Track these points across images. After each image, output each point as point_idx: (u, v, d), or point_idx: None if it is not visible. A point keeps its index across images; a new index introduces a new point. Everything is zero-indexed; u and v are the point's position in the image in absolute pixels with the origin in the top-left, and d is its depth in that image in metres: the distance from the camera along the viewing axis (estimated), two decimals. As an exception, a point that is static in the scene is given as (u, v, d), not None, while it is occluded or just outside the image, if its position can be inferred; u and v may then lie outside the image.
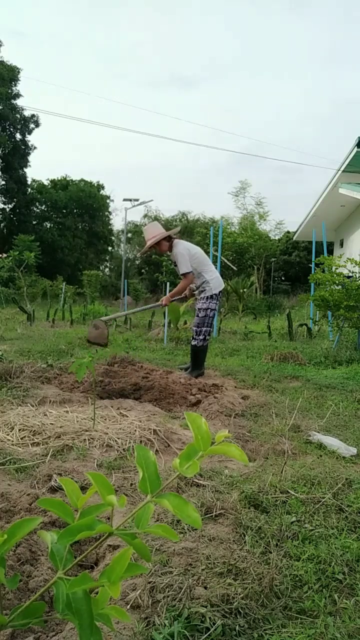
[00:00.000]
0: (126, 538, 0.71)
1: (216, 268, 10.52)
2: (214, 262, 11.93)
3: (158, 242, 4.82)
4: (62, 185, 35.36)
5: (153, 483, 0.74)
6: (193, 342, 4.77)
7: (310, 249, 15.41)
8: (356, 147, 12.44)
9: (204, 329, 4.71)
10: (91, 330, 5.03)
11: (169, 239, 4.83)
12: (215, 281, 4.73)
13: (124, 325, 10.64)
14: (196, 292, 4.96)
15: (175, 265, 4.80)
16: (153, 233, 4.85)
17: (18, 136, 30.73)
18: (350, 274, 6.82)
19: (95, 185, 36.38)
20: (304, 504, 1.80)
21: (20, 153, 30.64)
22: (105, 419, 2.96)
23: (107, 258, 40.61)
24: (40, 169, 65.52)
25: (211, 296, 4.71)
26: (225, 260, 15.46)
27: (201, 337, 4.70)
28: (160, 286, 27.98)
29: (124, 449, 2.49)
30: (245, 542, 1.55)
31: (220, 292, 4.81)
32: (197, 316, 4.75)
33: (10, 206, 31.97)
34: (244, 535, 1.58)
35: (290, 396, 3.86)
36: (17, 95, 30.02)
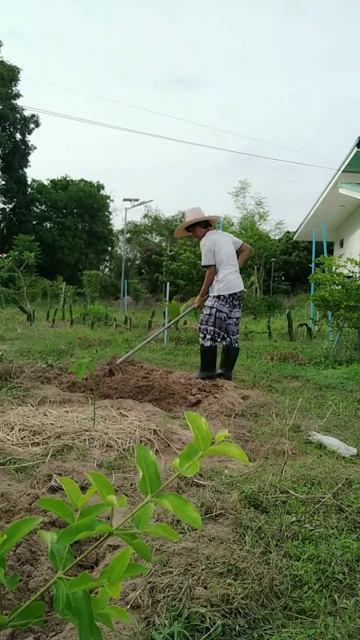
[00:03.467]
0: (126, 538, 0.71)
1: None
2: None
3: (194, 227, 4.73)
4: (62, 185, 35.36)
5: (153, 483, 0.74)
6: (200, 342, 4.67)
7: (310, 249, 15.42)
8: (356, 147, 12.43)
9: (207, 327, 4.54)
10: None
11: (205, 225, 4.71)
12: (226, 283, 4.50)
13: (124, 325, 10.64)
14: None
15: None
16: (189, 217, 4.76)
17: (18, 136, 30.74)
18: (350, 274, 6.82)
19: (95, 185, 36.38)
20: (304, 504, 1.80)
21: (20, 153, 30.64)
22: (105, 419, 2.96)
23: (107, 258, 40.61)
24: (40, 169, 65.64)
25: (218, 296, 4.52)
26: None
27: (201, 335, 4.56)
28: (160, 286, 27.97)
29: (124, 449, 2.49)
30: (245, 542, 1.55)
31: (232, 295, 4.53)
32: (202, 314, 4.63)
33: (10, 206, 31.97)
34: (244, 535, 1.58)
35: (290, 396, 3.86)
36: (17, 95, 30.03)
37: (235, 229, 25.69)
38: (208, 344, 4.52)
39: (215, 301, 4.53)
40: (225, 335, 4.62)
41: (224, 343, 4.69)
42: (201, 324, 4.58)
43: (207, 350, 4.55)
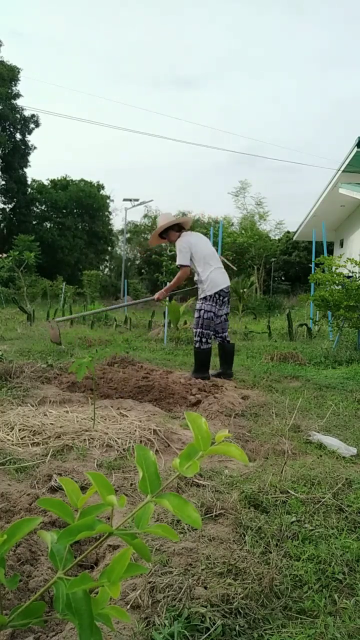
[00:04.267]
0: (126, 538, 0.71)
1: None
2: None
3: (167, 232, 4.71)
4: (62, 185, 35.36)
5: (153, 483, 0.74)
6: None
7: (310, 249, 15.41)
8: (356, 147, 12.44)
9: (196, 330, 4.54)
10: (50, 331, 5.07)
11: (178, 228, 4.70)
12: (210, 282, 4.47)
13: (124, 325, 10.64)
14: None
15: None
16: (161, 223, 4.77)
17: (18, 136, 30.74)
18: (350, 274, 6.82)
19: (95, 185, 36.37)
20: (304, 504, 1.80)
21: (20, 153, 30.64)
22: (105, 419, 2.96)
23: (107, 258, 40.60)
24: (40, 169, 65.59)
25: (204, 297, 4.50)
26: (225, 260, 15.45)
27: (196, 338, 4.54)
28: (160, 286, 27.97)
29: (124, 449, 2.49)
30: (245, 542, 1.55)
31: (218, 293, 4.51)
32: (194, 317, 4.65)
33: (10, 206, 31.97)
34: (244, 535, 1.58)
35: (290, 396, 3.86)
36: (17, 95, 30.04)
37: (235, 229, 25.69)
38: (197, 345, 4.54)
39: (202, 303, 4.52)
40: (215, 335, 4.63)
41: (218, 342, 4.69)
42: (194, 327, 4.61)
43: (198, 352, 4.55)
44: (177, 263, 4.55)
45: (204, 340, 4.51)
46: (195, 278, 4.67)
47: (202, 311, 4.50)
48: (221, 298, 4.54)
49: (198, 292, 4.68)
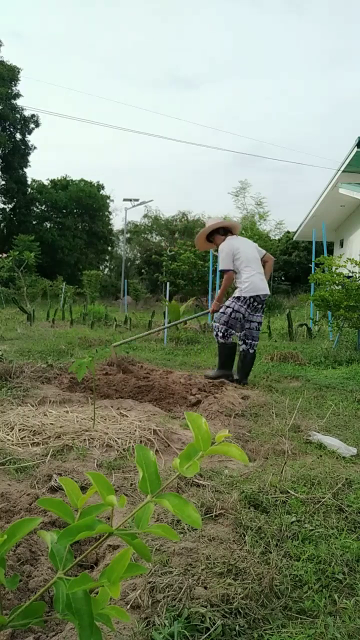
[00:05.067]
0: (126, 538, 0.71)
1: (217, 269, 10.50)
2: (214, 262, 11.94)
3: (213, 235, 4.62)
4: (62, 185, 35.34)
5: (153, 483, 0.74)
6: (216, 340, 4.56)
7: (310, 249, 15.42)
8: (356, 147, 12.44)
9: (219, 325, 4.42)
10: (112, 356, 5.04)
11: (223, 232, 4.59)
12: (249, 284, 4.34)
13: (124, 325, 10.64)
14: None
15: None
16: (208, 225, 4.67)
17: (18, 136, 30.72)
18: (350, 274, 6.82)
19: (95, 185, 36.36)
20: (304, 504, 1.80)
21: (20, 153, 30.63)
22: (105, 419, 2.96)
23: (107, 258, 40.59)
24: (40, 169, 65.53)
25: (238, 297, 4.37)
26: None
27: (214, 333, 4.49)
28: (160, 286, 27.97)
29: (124, 449, 2.49)
30: (245, 542, 1.55)
31: (254, 297, 4.36)
32: (219, 312, 4.50)
33: (10, 206, 31.96)
34: (244, 535, 1.58)
35: (290, 396, 3.86)
36: (17, 95, 30.02)
37: (235, 229, 25.64)
38: (222, 340, 4.43)
39: (234, 301, 4.39)
40: (245, 339, 4.48)
41: (242, 348, 4.51)
42: (216, 320, 4.48)
43: (223, 347, 4.45)
44: (220, 268, 4.48)
45: (224, 335, 4.40)
46: (236, 278, 4.50)
47: (231, 309, 4.37)
48: (255, 304, 4.41)
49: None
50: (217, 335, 4.45)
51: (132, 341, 5.28)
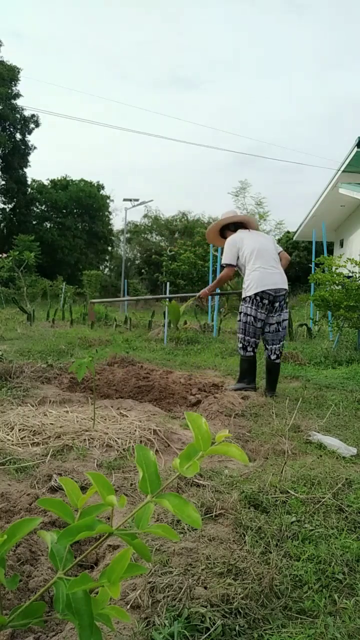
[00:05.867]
0: (126, 538, 0.71)
1: (217, 269, 10.50)
2: (214, 262, 11.93)
3: (224, 232, 4.29)
4: (62, 185, 35.34)
5: (153, 483, 0.74)
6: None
7: (310, 249, 15.40)
8: (356, 147, 12.44)
9: (238, 334, 4.09)
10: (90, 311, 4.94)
11: (235, 228, 4.23)
12: (251, 281, 3.89)
13: (124, 325, 10.64)
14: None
15: None
16: (217, 221, 4.36)
17: (18, 136, 30.72)
18: (350, 274, 6.82)
19: (95, 185, 36.36)
20: (304, 504, 1.80)
21: (20, 153, 30.62)
22: (105, 419, 2.96)
23: (107, 258, 40.60)
24: (40, 169, 65.50)
25: (244, 299, 3.96)
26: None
27: (239, 344, 4.09)
28: (160, 286, 27.97)
29: (124, 449, 2.49)
30: (245, 542, 1.55)
31: (259, 295, 3.86)
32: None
33: (10, 206, 31.96)
34: (244, 535, 1.58)
35: (290, 396, 3.86)
36: (17, 95, 30.02)
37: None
38: (242, 352, 4.08)
39: (241, 304, 4.01)
40: (266, 344, 4.02)
41: (267, 354, 4.05)
42: (237, 332, 4.15)
43: (242, 360, 4.12)
44: (222, 262, 4.14)
45: (245, 346, 4.03)
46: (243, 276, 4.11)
47: (242, 314, 3.99)
48: (265, 302, 3.87)
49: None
50: (239, 347, 4.11)
51: (112, 302, 5.17)
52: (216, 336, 8.55)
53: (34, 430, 2.70)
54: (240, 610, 1.22)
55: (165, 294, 10.15)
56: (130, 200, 27.55)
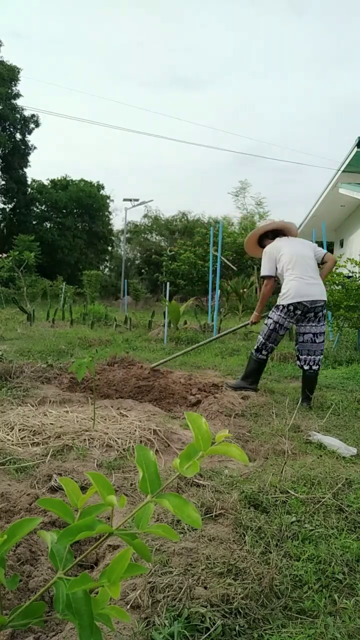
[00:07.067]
0: (126, 538, 0.71)
1: (217, 269, 10.48)
2: (214, 262, 11.94)
3: (262, 241, 4.16)
4: (62, 185, 35.33)
5: (153, 483, 0.74)
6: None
7: (310, 249, 15.37)
8: (356, 147, 12.45)
9: (259, 337, 3.99)
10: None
11: (273, 236, 4.09)
12: (287, 290, 3.74)
13: (124, 325, 10.64)
14: None
15: None
16: (254, 230, 4.26)
17: (18, 136, 30.71)
18: (350, 274, 6.82)
19: (95, 185, 36.34)
20: (304, 504, 1.80)
21: (20, 153, 30.62)
22: (105, 419, 2.96)
23: (107, 258, 40.58)
24: (40, 169, 65.42)
25: (277, 305, 3.83)
26: (225, 260, 15.47)
27: (255, 346, 4.03)
28: (160, 286, 27.97)
29: (124, 449, 2.49)
30: (245, 542, 1.55)
31: (294, 305, 3.71)
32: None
33: (10, 206, 31.94)
34: (244, 535, 1.58)
35: (290, 396, 3.86)
36: (17, 95, 30.01)
37: (235, 229, 25.71)
38: (255, 354, 4.01)
39: (273, 311, 3.88)
40: (299, 354, 3.86)
41: (297, 364, 3.93)
42: (260, 333, 4.02)
43: (252, 360, 4.05)
44: (261, 274, 3.99)
45: (260, 349, 3.97)
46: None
47: (270, 321, 3.87)
48: (299, 313, 3.75)
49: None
50: (255, 347, 4.03)
51: (171, 360, 4.93)
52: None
53: (34, 430, 2.70)
54: (240, 610, 1.22)
55: (165, 294, 10.14)
56: (130, 200, 27.57)
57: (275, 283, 3.97)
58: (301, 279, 3.74)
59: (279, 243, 3.96)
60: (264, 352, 3.98)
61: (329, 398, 3.90)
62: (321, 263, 4.01)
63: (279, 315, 3.81)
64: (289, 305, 3.74)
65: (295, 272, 3.75)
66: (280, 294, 3.85)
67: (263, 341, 3.94)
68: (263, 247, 4.13)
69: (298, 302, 3.71)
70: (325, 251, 4.04)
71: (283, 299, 3.78)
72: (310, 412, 3.49)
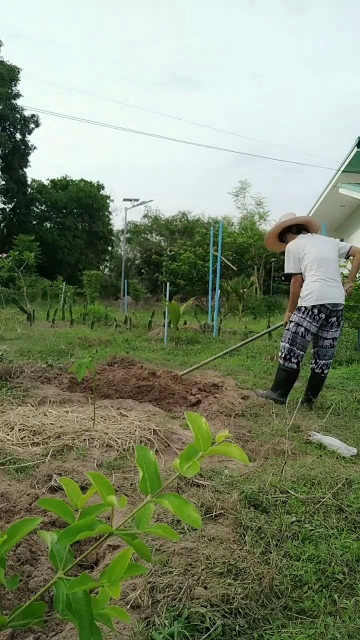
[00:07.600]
0: (126, 538, 0.71)
1: (217, 269, 10.50)
2: (214, 262, 11.94)
3: (285, 235, 3.99)
4: (62, 185, 35.33)
5: (153, 483, 0.74)
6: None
7: (310, 249, 15.38)
8: (356, 147, 12.43)
9: (282, 344, 3.78)
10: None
11: (297, 230, 3.93)
12: (310, 292, 3.61)
13: (124, 325, 10.64)
14: None
15: None
16: (275, 225, 4.09)
17: (18, 136, 30.71)
18: (350, 274, 6.82)
19: (95, 185, 36.34)
20: (304, 504, 1.80)
21: (20, 153, 30.62)
22: (105, 419, 2.96)
23: (107, 258, 40.58)
24: (40, 169, 65.45)
25: (299, 308, 3.69)
26: (225, 260, 15.47)
27: (280, 354, 3.81)
28: (160, 286, 27.97)
29: (124, 449, 2.49)
30: (245, 542, 1.55)
31: (318, 307, 3.59)
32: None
33: (10, 206, 31.94)
34: (244, 535, 1.58)
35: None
36: (17, 95, 30.01)
37: (235, 229, 25.72)
38: (281, 362, 3.78)
39: (295, 313, 3.72)
40: (317, 358, 3.77)
41: (311, 366, 3.85)
42: (282, 340, 3.82)
43: (281, 370, 3.79)
44: (285, 271, 3.84)
45: (288, 357, 3.72)
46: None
47: (292, 324, 3.70)
48: (321, 315, 3.61)
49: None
50: (280, 355, 3.81)
51: (201, 366, 4.80)
52: (216, 336, 8.54)
53: (34, 430, 2.70)
54: (240, 610, 1.22)
55: (165, 294, 10.14)
56: (130, 200, 27.57)
57: (302, 279, 3.77)
58: (324, 280, 3.62)
59: (302, 241, 3.80)
60: (293, 360, 3.71)
61: (329, 398, 3.90)
62: (347, 257, 3.89)
63: (300, 317, 3.65)
64: (312, 307, 3.60)
65: (319, 273, 3.63)
66: (301, 296, 3.71)
67: (288, 347, 3.71)
68: (283, 241, 4.02)
69: (321, 305, 3.59)
70: (350, 245, 3.89)
71: (305, 301, 3.64)
72: (310, 412, 3.49)
